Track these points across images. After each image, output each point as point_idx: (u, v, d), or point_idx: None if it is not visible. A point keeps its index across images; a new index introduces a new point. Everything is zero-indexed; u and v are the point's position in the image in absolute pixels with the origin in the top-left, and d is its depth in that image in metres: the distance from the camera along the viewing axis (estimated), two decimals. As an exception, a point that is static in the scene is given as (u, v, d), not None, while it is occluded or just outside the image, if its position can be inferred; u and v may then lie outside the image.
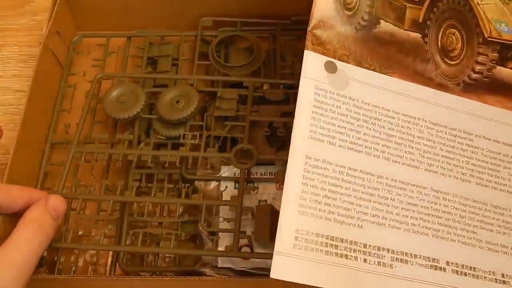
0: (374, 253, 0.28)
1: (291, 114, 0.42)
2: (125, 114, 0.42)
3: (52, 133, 0.45)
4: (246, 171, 0.39)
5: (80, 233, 0.42)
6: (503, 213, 0.31)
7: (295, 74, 0.45)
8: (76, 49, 0.50)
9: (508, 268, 0.29)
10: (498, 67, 0.34)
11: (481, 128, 0.33)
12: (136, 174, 0.41)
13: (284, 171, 0.38)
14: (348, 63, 0.33)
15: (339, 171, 0.29)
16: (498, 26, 0.34)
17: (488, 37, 0.34)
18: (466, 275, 0.28)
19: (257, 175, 0.42)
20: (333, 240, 0.27)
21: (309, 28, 0.33)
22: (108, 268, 0.40)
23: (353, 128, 0.31)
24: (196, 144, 0.41)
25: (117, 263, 0.39)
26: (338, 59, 0.32)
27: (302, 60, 0.44)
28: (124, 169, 0.42)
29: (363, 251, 0.28)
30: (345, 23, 0.34)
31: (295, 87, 0.43)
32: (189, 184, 0.40)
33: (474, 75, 0.34)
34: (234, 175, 0.41)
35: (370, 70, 0.33)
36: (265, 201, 0.41)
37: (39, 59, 0.43)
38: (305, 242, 0.27)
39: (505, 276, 0.29)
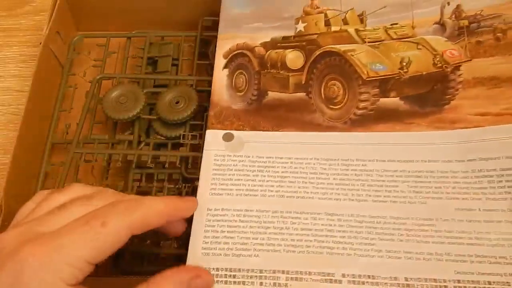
0: (270, 276, 0.32)
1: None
2: (124, 115, 0.42)
3: (52, 133, 0.45)
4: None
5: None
6: (405, 222, 0.33)
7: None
8: (76, 49, 0.50)
9: (412, 271, 0.31)
10: (382, 99, 0.39)
11: (373, 153, 0.36)
12: (136, 174, 0.41)
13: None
14: (243, 130, 0.39)
15: (237, 214, 0.35)
16: (373, 67, 0.39)
17: (367, 78, 0.39)
18: (364, 283, 0.31)
19: (256, 175, 0.42)
20: (231, 271, 0.32)
21: (210, 113, 0.40)
22: (108, 268, 0.40)
23: (249, 178, 0.36)
24: (196, 144, 0.41)
25: (117, 263, 0.39)
26: (235, 130, 0.39)
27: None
28: (124, 169, 0.42)
29: (259, 276, 0.32)
30: (238, 101, 0.41)
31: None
32: (189, 184, 0.40)
33: (359, 111, 0.39)
34: (234, 175, 0.42)
35: (264, 131, 0.39)
36: (265, 201, 0.41)
37: (39, 59, 0.43)
38: None
39: (409, 279, 0.31)
